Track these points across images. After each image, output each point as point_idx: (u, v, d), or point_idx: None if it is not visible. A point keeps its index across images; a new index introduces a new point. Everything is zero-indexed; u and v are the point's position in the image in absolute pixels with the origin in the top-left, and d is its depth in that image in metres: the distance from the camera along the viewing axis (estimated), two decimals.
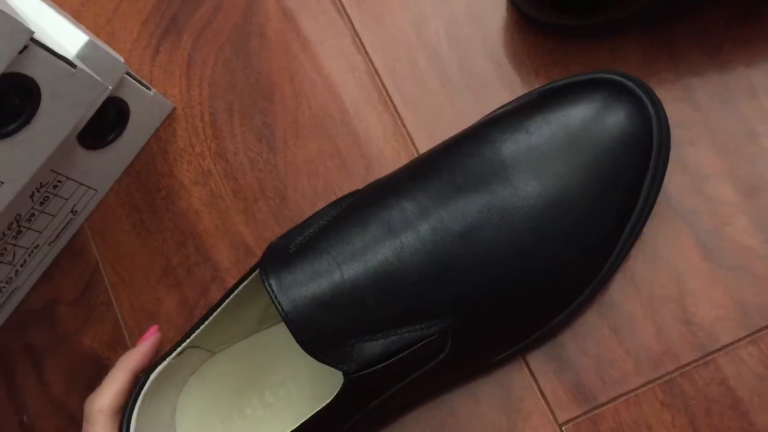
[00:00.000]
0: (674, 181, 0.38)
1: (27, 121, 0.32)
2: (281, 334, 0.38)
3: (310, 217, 0.35)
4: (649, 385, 0.36)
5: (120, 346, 0.43)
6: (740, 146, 0.37)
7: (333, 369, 0.33)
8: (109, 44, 0.44)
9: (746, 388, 0.35)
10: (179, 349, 0.34)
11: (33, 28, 0.30)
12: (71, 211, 0.42)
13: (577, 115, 0.34)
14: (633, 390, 0.36)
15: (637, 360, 0.36)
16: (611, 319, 0.37)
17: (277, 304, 0.30)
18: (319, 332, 0.30)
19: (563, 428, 0.36)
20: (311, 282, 0.30)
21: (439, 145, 0.37)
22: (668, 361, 0.36)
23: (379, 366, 0.30)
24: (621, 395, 0.36)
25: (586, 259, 0.33)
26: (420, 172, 0.35)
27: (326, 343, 0.30)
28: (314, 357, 0.30)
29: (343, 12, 0.44)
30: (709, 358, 0.36)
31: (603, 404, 0.36)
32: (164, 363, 0.34)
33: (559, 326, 0.36)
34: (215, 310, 0.34)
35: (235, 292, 0.34)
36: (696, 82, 0.39)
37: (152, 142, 0.44)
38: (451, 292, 0.31)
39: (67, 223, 0.42)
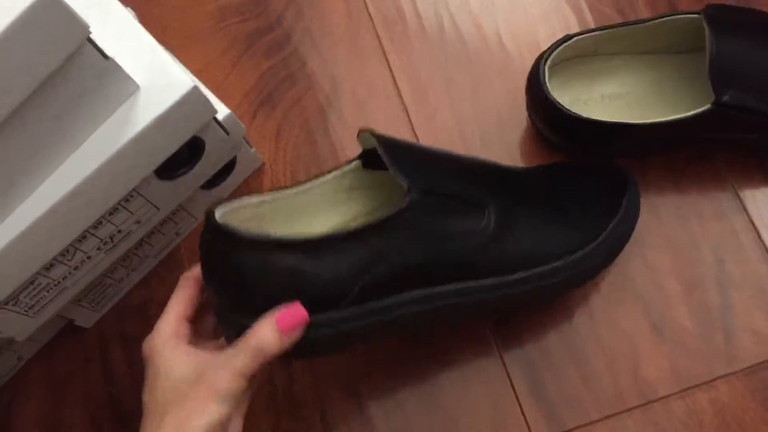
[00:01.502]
0: (637, 272, 0.51)
1: (191, 169, 0.44)
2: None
3: None
4: (604, 420, 0.49)
5: None
6: (687, 253, 0.51)
7: None
8: None
9: (673, 430, 0.48)
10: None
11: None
12: (176, 233, 0.54)
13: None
14: (592, 422, 0.49)
15: (596, 400, 0.49)
16: (581, 369, 0.50)
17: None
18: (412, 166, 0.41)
19: None
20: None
21: None
22: (619, 404, 0.49)
23: (441, 193, 0.41)
24: (582, 425, 0.49)
25: (582, 234, 0.47)
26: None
27: (413, 169, 0.41)
28: (398, 169, 0.40)
29: (403, 108, 0.57)
30: (648, 405, 0.49)
31: (569, 430, 0.49)
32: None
33: (542, 365, 0.49)
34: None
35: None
36: (659, 202, 0.53)
37: (243, 187, 0.57)
38: (493, 185, 0.44)
39: (171, 241, 0.54)
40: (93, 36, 0.34)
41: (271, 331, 0.37)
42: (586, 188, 0.49)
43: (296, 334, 0.37)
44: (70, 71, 0.33)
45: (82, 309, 0.51)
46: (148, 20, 0.60)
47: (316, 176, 0.45)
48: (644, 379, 0.49)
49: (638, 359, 0.50)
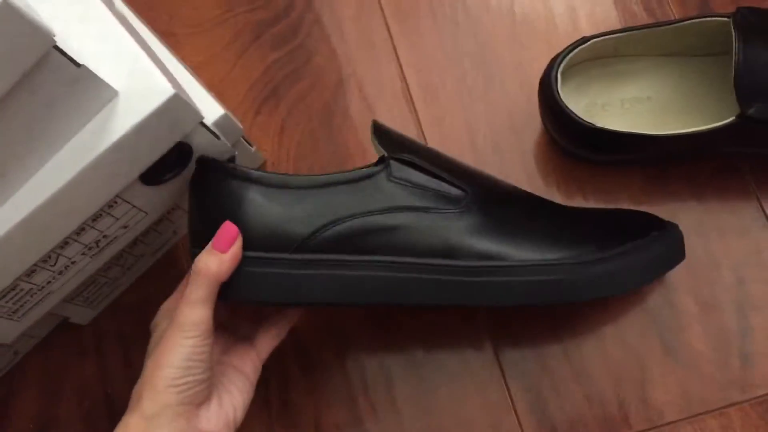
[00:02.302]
0: (649, 288, 0.49)
1: (178, 174, 0.42)
2: None
3: None
4: None
5: None
6: (705, 271, 0.48)
7: None
8: (220, 101, 0.54)
9: None
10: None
11: (195, 106, 0.41)
12: (173, 232, 0.52)
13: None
14: None
15: (602, 423, 0.47)
16: (586, 389, 0.47)
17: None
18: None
19: None
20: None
21: None
22: (624, 427, 0.47)
23: (420, 167, 0.41)
24: None
25: (588, 247, 0.43)
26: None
27: (398, 146, 0.42)
28: (379, 141, 0.42)
29: (412, 109, 0.55)
30: (655, 430, 0.46)
31: None
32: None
33: (545, 382, 0.47)
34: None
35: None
36: (680, 214, 0.50)
37: None
38: (477, 181, 0.43)
39: (168, 240, 0.53)
40: (69, 39, 0.32)
41: (207, 252, 0.39)
42: (609, 219, 0.46)
43: (233, 252, 0.39)
44: (36, 80, 0.31)
45: (77, 307, 0.50)
46: (155, 7, 0.59)
47: (332, 173, 0.44)
48: (652, 402, 0.47)
49: (646, 381, 0.47)
